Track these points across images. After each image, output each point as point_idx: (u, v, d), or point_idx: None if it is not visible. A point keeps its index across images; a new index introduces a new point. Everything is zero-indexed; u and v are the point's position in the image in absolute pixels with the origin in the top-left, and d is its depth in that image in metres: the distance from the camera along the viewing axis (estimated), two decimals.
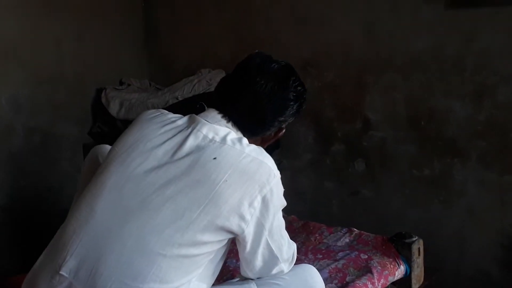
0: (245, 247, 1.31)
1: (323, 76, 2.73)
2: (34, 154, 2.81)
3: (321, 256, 1.89)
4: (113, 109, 2.90)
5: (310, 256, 1.90)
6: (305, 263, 1.74)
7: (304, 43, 2.77)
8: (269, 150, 2.72)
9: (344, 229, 2.06)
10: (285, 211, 2.72)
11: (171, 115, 1.39)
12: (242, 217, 1.24)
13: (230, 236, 1.27)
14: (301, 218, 2.27)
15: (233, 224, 1.23)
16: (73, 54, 2.99)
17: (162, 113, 1.40)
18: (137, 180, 1.25)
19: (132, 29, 3.35)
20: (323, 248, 1.94)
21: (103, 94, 3.00)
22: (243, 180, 1.24)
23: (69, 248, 1.22)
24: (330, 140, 2.77)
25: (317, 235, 2.04)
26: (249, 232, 1.27)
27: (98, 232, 1.22)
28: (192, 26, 3.20)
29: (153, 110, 1.43)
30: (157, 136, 1.31)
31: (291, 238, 2.02)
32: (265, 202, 1.27)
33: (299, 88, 1.41)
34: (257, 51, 1.43)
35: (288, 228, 2.11)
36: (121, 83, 3.19)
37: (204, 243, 1.23)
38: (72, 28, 2.97)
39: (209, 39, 3.13)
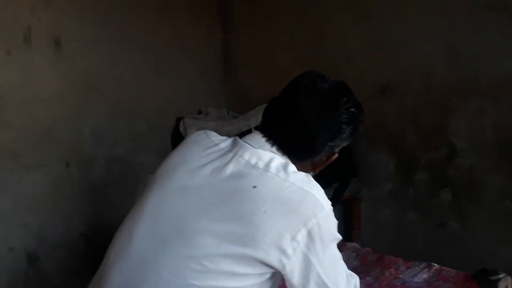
0: (291, 283, 1.20)
1: (403, 100, 2.60)
2: (114, 183, 2.88)
3: None
4: None
5: None
6: None
7: (381, 67, 2.66)
8: (347, 179, 2.66)
9: (423, 264, 1.89)
10: (365, 244, 2.62)
11: (216, 138, 1.34)
12: (282, 251, 1.14)
13: (271, 270, 1.18)
14: (381, 252, 2.13)
15: (273, 258, 1.14)
16: (153, 87, 3.06)
17: (207, 135, 1.35)
18: (174, 205, 1.21)
19: (210, 60, 3.40)
20: (398, 284, 1.80)
21: (181, 123, 3.05)
22: (284, 212, 1.15)
23: (109, 277, 1.20)
24: (413, 169, 2.61)
25: (392, 269, 1.89)
26: (292, 268, 1.16)
27: (134, 260, 1.19)
28: (268, 55, 3.19)
29: (199, 132, 1.39)
30: (199, 159, 1.27)
31: (364, 272, 1.91)
32: (311, 236, 1.16)
33: (352, 109, 1.29)
34: (311, 70, 1.34)
35: (362, 261, 2.01)
36: (199, 113, 3.23)
37: (242, 275, 1.15)
38: (152, 61, 3.05)
39: (285, 67, 3.09)
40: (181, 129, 3.01)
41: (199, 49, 3.32)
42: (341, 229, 2.87)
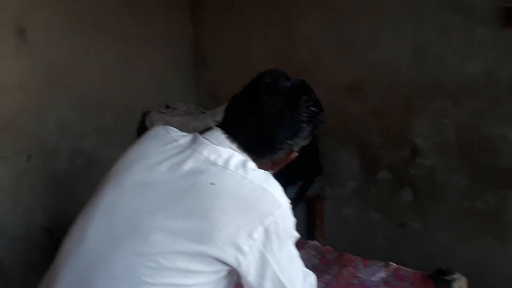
0: (247, 281, 1.19)
1: (369, 100, 2.62)
2: (78, 176, 2.84)
3: None
4: None
5: None
6: None
7: (348, 67, 2.68)
8: (311, 177, 2.67)
9: (380, 263, 1.90)
10: (328, 242, 2.64)
11: (175, 133, 1.33)
12: (238, 249, 1.13)
13: (227, 267, 1.17)
14: (343, 250, 2.14)
15: (229, 255, 1.13)
16: (120, 79, 3.02)
17: (166, 131, 1.34)
18: (129, 201, 1.19)
19: (180, 54, 3.37)
20: (355, 282, 1.80)
21: (147, 117, 3.02)
22: (241, 209, 1.14)
23: (61, 274, 1.18)
24: (376, 168, 2.64)
25: (351, 268, 1.90)
26: (248, 265, 1.16)
27: (88, 257, 1.17)
28: (238, 51, 3.18)
29: (159, 127, 1.38)
30: (156, 155, 1.25)
31: (323, 270, 1.92)
32: (268, 234, 1.15)
33: (312, 108, 1.30)
34: (273, 68, 1.34)
35: (321, 259, 2.02)
36: (167, 107, 3.20)
37: (197, 272, 1.14)
38: (121, 54, 3.01)
39: (255, 64, 3.09)
40: (147, 124, 2.98)
41: (169, 43, 3.28)
42: (304, 227, 2.91)
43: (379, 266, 1.89)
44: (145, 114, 3.08)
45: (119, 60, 3.01)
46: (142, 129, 3.05)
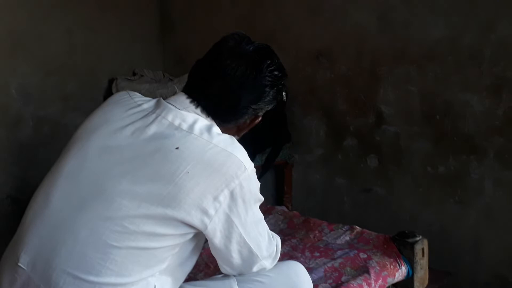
0: (214, 243, 1.21)
1: (336, 67, 2.64)
2: (43, 144, 2.80)
3: (318, 254, 1.80)
4: None
5: (307, 254, 1.81)
6: (300, 260, 1.66)
7: (316, 34, 2.68)
8: (279, 144, 2.69)
9: (345, 227, 1.96)
10: (296, 207, 2.68)
11: (139, 98, 1.31)
12: (204, 212, 1.14)
13: (193, 230, 1.18)
14: (311, 215, 2.18)
15: (195, 218, 1.14)
16: (85, 45, 2.96)
17: (130, 96, 1.32)
18: (94, 166, 1.19)
19: (147, 20, 3.31)
20: (321, 246, 1.85)
21: (113, 84, 2.98)
22: (207, 173, 1.14)
23: (26, 239, 1.17)
24: (343, 135, 2.67)
25: (316, 232, 1.94)
26: (214, 228, 1.17)
27: (52, 222, 1.16)
28: (206, 19, 3.14)
29: (122, 92, 1.36)
30: (120, 120, 1.24)
31: (290, 234, 1.96)
32: (233, 197, 1.17)
33: (275, 72, 1.29)
34: (235, 32, 1.33)
35: (288, 224, 2.06)
36: (134, 74, 3.16)
37: (163, 235, 1.15)
38: (85, 18, 2.94)
39: (223, 31, 3.01)
40: (114, 91, 2.94)
41: (136, 8, 3.22)
42: (272, 193, 2.94)
43: (344, 229, 1.94)
44: (111, 81, 3.04)
45: (82, 25, 2.95)
46: (108, 97, 3.00)
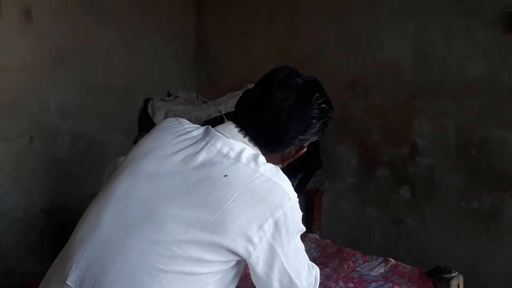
0: (256, 272, 1.22)
1: (371, 97, 2.65)
2: (78, 160, 2.86)
3: (352, 285, 1.78)
4: (158, 119, 2.92)
5: (341, 284, 1.80)
6: None
7: (352, 63, 2.71)
8: (311, 170, 2.70)
9: (380, 259, 1.94)
10: (324, 235, 2.67)
11: (188, 125, 1.34)
12: (249, 240, 1.16)
13: (237, 258, 1.20)
14: (339, 244, 2.18)
15: (239, 246, 1.16)
16: (123, 64, 3.03)
17: (179, 123, 1.35)
18: (144, 191, 1.21)
19: (183, 42, 3.38)
20: (355, 276, 1.84)
21: (149, 104, 3.03)
22: (253, 201, 1.16)
23: (75, 258, 1.19)
24: (375, 164, 2.67)
25: (350, 262, 1.93)
26: (257, 256, 1.19)
27: (103, 243, 1.19)
28: (241, 42, 3.19)
29: (172, 119, 1.39)
30: (170, 146, 1.26)
31: (323, 263, 1.96)
32: (277, 226, 1.18)
33: (323, 105, 1.31)
34: (284, 64, 1.36)
35: (321, 252, 2.06)
36: (168, 95, 3.22)
37: (209, 261, 1.17)
38: (124, 39, 3.02)
39: (257, 56, 3.11)
40: (149, 110, 2.99)
41: (172, 30, 3.30)
42: (302, 219, 2.94)
43: (379, 261, 1.92)
44: (147, 101, 3.09)
45: (121, 45, 3.03)
46: (143, 116, 3.06)
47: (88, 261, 1.19)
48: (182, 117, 2.81)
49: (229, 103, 2.86)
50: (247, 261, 1.21)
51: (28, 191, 2.68)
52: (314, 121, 1.31)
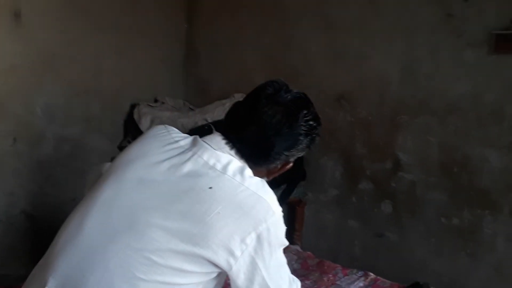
0: (237, 285, 1.22)
1: (356, 111, 2.68)
2: (62, 163, 2.84)
3: None
4: (144, 125, 2.91)
5: None
6: None
7: (339, 77, 2.74)
8: (295, 181, 2.71)
9: (359, 272, 1.97)
10: (306, 246, 2.68)
11: (176, 134, 1.34)
12: (231, 253, 1.16)
13: (218, 270, 1.20)
14: (320, 255, 2.20)
15: (221, 258, 1.16)
16: (112, 69, 3.03)
17: (168, 131, 1.35)
18: (128, 198, 1.21)
19: (172, 49, 3.39)
20: None
21: (136, 109, 3.03)
22: (237, 215, 1.17)
23: (55, 265, 1.19)
24: (358, 178, 2.69)
25: (330, 275, 1.96)
26: (238, 269, 1.19)
27: (83, 249, 1.18)
28: (230, 52, 3.21)
29: (161, 127, 1.39)
30: (157, 154, 1.27)
31: (304, 276, 1.97)
32: (260, 240, 1.19)
33: (311, 122, 1.32)
34: (275, 79, 1.37)
35: (302, 264, 2.07)
36: (155, 101, 3.22)
37: (189, 272, 1.17)
38: (113, 44, 3.01)
39: (246, 65, 3.12)
40: (135, 116, 2.99)
41: (162, 36, 3.30)
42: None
43: (358, 275, 1.95)
44: (133, 107, 3.09)
45: (111, 50, 3.02)
46: (129, 121, 3.06)
47: (69, 268, 1.18)
48: (168, 124, 2.81)
49: (215, 111, 2.87)
50: (228, 273, 1.22)
51: (9, 193, 2.65)
52: (301, 137, 1.32)
